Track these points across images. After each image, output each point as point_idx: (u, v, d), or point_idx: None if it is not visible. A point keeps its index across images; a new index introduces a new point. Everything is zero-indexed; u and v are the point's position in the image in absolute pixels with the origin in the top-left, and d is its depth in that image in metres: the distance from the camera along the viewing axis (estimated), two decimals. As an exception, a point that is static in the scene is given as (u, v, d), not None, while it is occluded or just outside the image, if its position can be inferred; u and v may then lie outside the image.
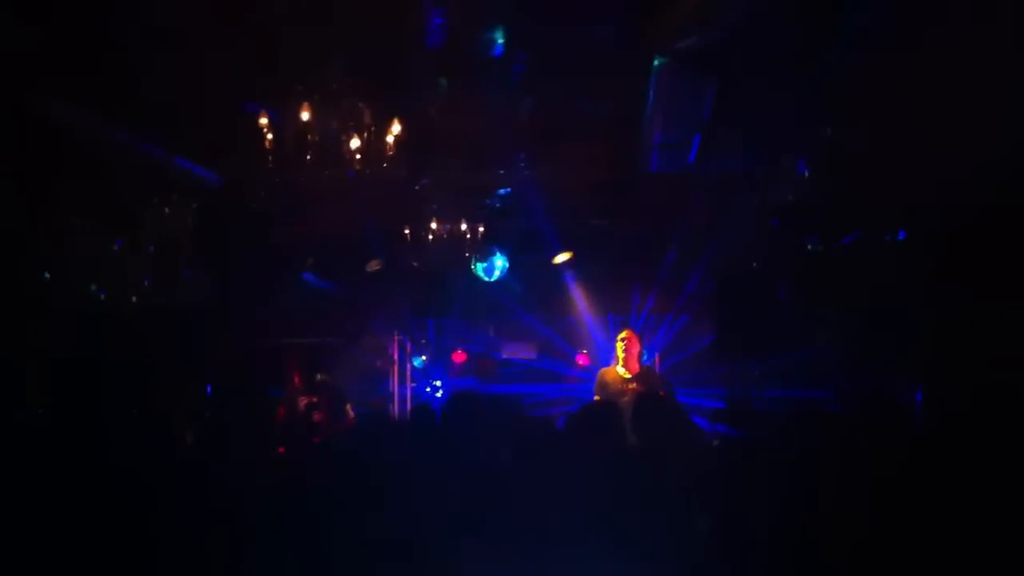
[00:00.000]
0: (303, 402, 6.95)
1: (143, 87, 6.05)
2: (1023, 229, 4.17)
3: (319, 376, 7.20)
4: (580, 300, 10.18)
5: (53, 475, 3.10)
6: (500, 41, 5.75)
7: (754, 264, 8.10)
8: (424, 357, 10.72)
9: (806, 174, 6.65)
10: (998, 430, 3.21)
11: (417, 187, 8.18)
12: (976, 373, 4.36)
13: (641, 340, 7.92)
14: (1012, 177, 4.19)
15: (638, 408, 4.56)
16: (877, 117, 5.52)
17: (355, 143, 6.06)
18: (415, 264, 9.24)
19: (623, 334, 7.68)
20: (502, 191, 8.61)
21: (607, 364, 8.08)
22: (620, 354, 7.50)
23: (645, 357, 8.41)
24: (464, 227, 8.77)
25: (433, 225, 8.75)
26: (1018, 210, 4.16)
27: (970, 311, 4.53)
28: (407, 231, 8.87)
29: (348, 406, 7.19)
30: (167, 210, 8.04)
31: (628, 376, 7.37)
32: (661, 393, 6.76)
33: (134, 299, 7.85)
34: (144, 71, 5.86)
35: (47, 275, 6.92)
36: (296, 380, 7.09)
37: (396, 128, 6.13)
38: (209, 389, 6.96)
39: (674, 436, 4.54)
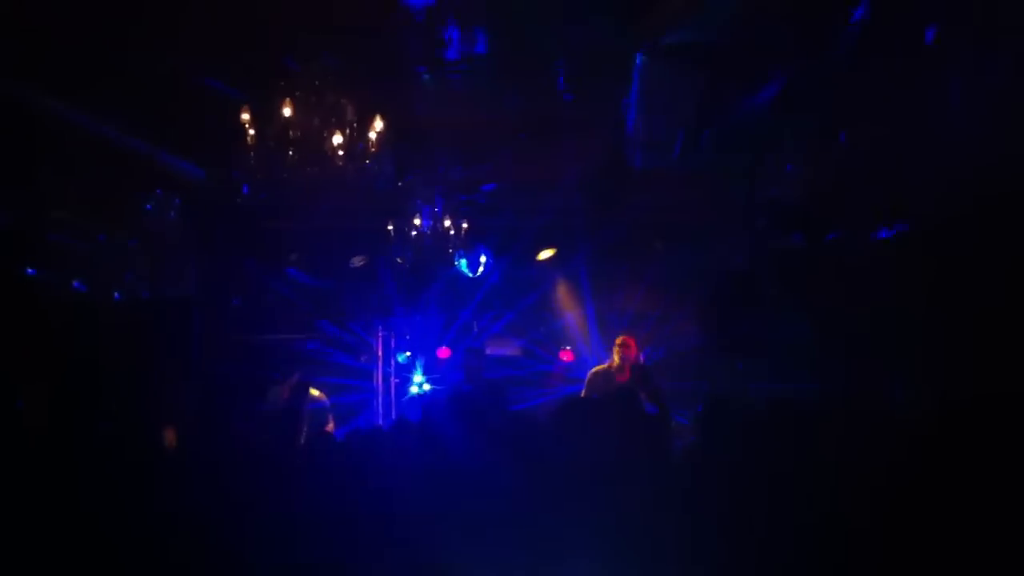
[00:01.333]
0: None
1: (128, 82, 6.00)
2: (1011, 227, 4.17)
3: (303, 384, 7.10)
4: (564, 296, 10.18)
5: (43, 470, 3.08)
6: (485, 39, 5.73)
7: (739, 261, 8.09)
8: (408, 353, 10.69)
9: (791, 171, 6.65)
10: (986, 427, 3.21)
11: (401, 183, 8.15)
12: (963, 370, 4.36)
13: (638, 345, 7.80)
14: (999, 178, 4.19)
15: (609, 408, 4.56)
16: (864, 115, 5.52)
17: (338, 139, 6.04)
18: (399, 260, 9.22)
19: (620, 339, 7.59)
20: (486, 188, 8.59)
21: (590, 360, 8.05)
22: (616, 358, 7.41)
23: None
24: (448, 223, 8.75)
25: (417, 221, 8.73)
26: (1005, 209, 4.16)
27: (957, 308, 4.53)
28: (391, 227, 8.85)
29: (329, 416, 7.10)
30: (151, 205, 8.00)
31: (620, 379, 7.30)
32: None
33: (118, 294, 7.80)
34: (129, 66, 5.82)
35: (32, 270, 6.86)
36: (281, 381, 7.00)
37: (379, 125, 6.11)
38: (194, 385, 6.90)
39: (642, 436, 4.55)
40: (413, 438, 4.89)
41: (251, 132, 5.95)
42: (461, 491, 3.51)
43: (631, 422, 4.57)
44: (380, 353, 10.59)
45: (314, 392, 7.13)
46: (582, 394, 7.38)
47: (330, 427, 7.00)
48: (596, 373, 7.50)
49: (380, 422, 9.91)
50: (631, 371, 7.39)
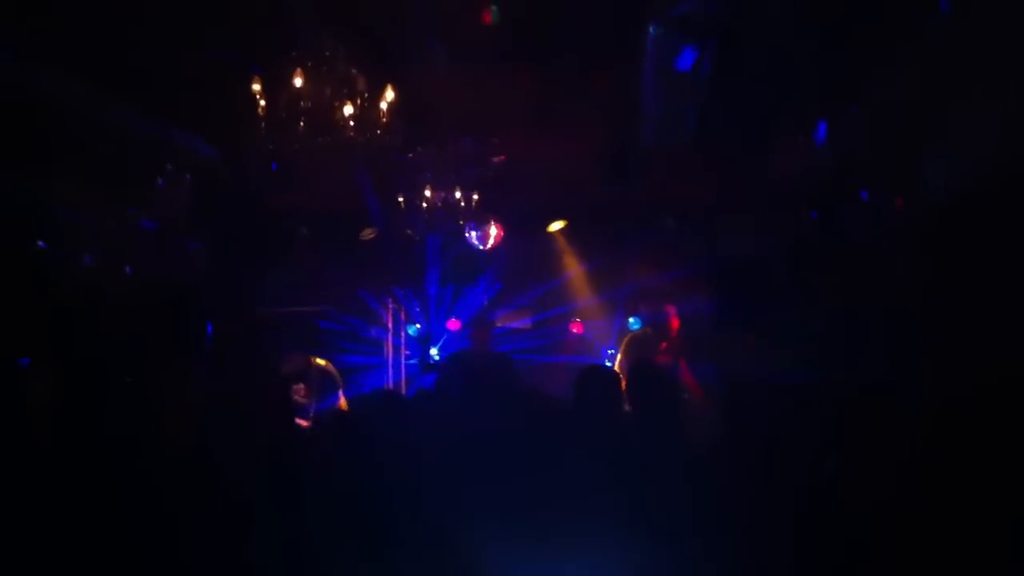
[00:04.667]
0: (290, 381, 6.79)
1: (137, 57, 5.99)
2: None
3: (312, 359, 7.03)
4: (574, 270, 10.18)
5: (54, 450, 3.09)
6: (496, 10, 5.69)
7: (752, 238, 8.05)
8: (419, 325, 10.71)
9: (805, 149, 6.60)
10: (997, 415, 3.20)
11: (411, 155, 8.12)
12: (977, 354, 4.33)
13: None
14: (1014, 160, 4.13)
15: (632, 376, 4.56)
16: (877, 92, 5.47)
17: (348, 110, 6.03)
18: (409, 232, 9.23)
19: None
20: (497, 161, 8.55)
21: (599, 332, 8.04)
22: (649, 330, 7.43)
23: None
24: (459, 195, 8.73)
25: (427, 193, 8.71)
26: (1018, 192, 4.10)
27: (971, 292, 4.49)
28: (401, 199, 8.84)
29: (341, 393, 7.02)
30: (162, 183, 7.99)
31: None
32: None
33: (129, 272, 7.82)
34: (138, 40, 5.80)
35: (42, 251, 6.87)
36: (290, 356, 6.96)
37: (390, 95, 6.09)
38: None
39: (667, 407, 4.54)
40: (424, 408, 4.90)
41: (262, 103, 5.95)
42: (471, 462, 3.52)
43: (657, 395, 4.57)
44: (390, 326, 10.62)
45: (319, 362, 7.06)
46: (619, 358, 7.35)
47: (342, 403, 6.90)
48: (634, 339, 7.44)
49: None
50: (673, 345, 7.33)
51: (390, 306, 10.56)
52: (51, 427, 3.30)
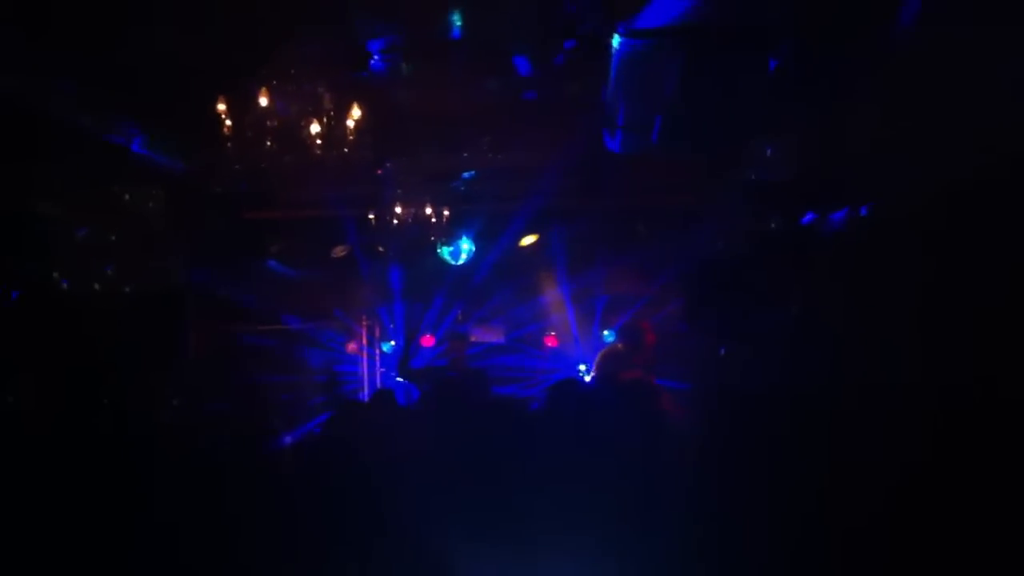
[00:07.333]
0: None
1: (108, 72, 5.95)
2: (996, 212, 4.14)
3: None
4: (547, 282, 10.18)
5: (36, 461, 3.06)
6: (459, 23, 5.69)
7: (722, 246, 8.08)
8: (393, 342, 10.68)
9: (771, 155, 6.64)
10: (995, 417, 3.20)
11: (381, 171, 8.11)
12: (952, 358, 4.35)
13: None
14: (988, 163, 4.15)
15: (603, 389, 4.57)
16: (845, 98, 5.50)
17: (315, 128, 6.02)
18: (381, 249, 9.22)
19: (636, 324, 7.59)
20: (467, 174, 8.56)
21: (574, 344, 8.05)
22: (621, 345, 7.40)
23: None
24: (429, 211, 8.73)
25: (398, 209, 8.70)
26: (992, 193, 4.13)
27: (942, 295, 4.51)
28: (372, 216, 8.83)
29: None
30: (132, 196, 7.94)
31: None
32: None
33: (98, 287, 7.75)
34: (109, 56, 5.76)
35: (12, 263, 6.81)
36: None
37: (356, 113, 6.08)
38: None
39: (640, 419, 4.55)
40: (398, 419, 4.89)
41: (228, 122, 5.92)
42: (447, 472, 3.51)
43: (645, 415, 4.58)
44: (365, 343, 10.58)
45: None
46: (593, 374, 7.31)
47: None
48: (606, 355, 7.40)
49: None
50: (646, 362, 7.30)
51: (364, 323, 10.54)
52: (43, 430, 3.28)
